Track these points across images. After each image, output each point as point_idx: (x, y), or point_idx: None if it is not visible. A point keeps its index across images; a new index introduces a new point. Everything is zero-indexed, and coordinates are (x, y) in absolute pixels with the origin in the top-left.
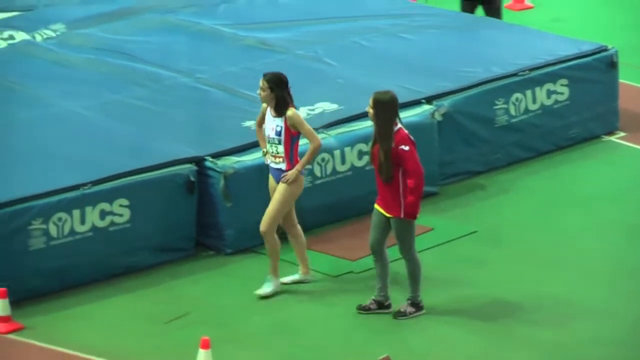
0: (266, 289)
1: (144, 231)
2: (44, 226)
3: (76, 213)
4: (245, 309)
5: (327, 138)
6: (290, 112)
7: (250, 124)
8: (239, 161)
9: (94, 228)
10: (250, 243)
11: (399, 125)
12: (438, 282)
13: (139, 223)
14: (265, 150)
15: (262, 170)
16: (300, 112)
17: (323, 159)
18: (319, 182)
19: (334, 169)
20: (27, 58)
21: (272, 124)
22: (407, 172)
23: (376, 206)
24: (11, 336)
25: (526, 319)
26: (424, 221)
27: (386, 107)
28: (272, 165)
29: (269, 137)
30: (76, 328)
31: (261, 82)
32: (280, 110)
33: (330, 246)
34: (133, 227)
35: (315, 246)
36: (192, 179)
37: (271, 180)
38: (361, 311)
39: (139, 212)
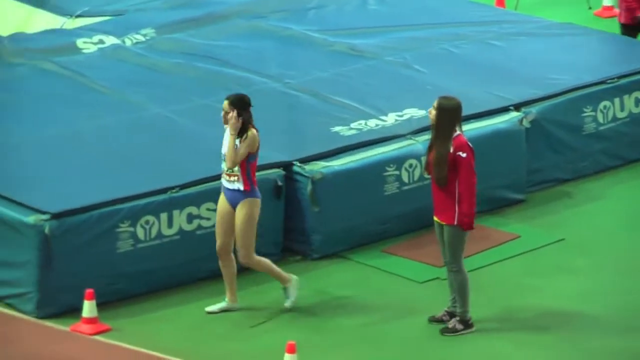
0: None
1: None
2: (131, 229)
3: (164, 216)
4: (332, 314)
5: (415, 144)
6: (252, 132)
7: (339, 129)
8: (327, 166)
9: (181, 231)
10: (337, 248)
11: (459, 132)
12: (523, 290)
13: None
14: None
15: (350, 175)
16: (389, 118)
17: (411, 165)
18: (406, 188)
19: (421, 175)
20: (117, 62)
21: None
22: (460, 179)
23: (435, 218)
24: (98, 337)
25: (615, 329)
26: (510, 228)
27: (449, 113)
28: (227, 185)
29: (224, 156)
30: (162, 330)
31: (225, 106)
32: (242, 132)
33: (417, 252)
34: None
35: (402, 252)
36: (280, 183)
37: (223, 201)
38: (433, 322)
39: None
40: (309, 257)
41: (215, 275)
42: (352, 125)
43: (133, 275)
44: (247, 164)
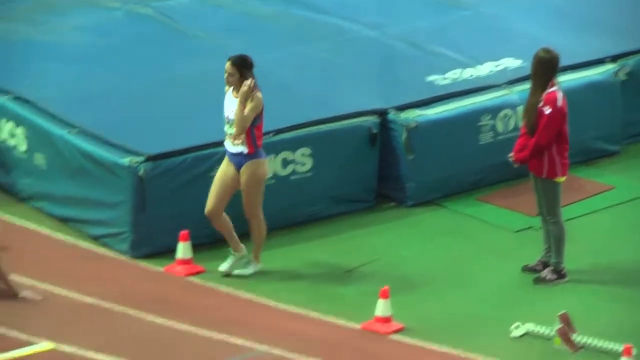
0: (226, 266)
1: (326, 181)
2: None
3: None
4: (425, 261)
5: (510, 94)
6: (258, 94)
7: (434, 78)
8: (422, 115)
9: (276, 176)
10: (431, 196)
11: (555, 87)
12: (617, 242)
13: (321, 173)
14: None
15: (444, 124)
16: (484, 68)
17: (506, 115)
18: (500, 137)
19: (515, 124)
20: (215, 9)
21: (233, 106)
22: (537, 131)
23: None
24: (191, 279)
25: None
26: (604, 180)
27: (545, 65)
28: (231, 149)
29: (228, 119)
30: (256, 273)
31: (228, 67)
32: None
33: (511, 201)
34: (315, 177)
35: (496, 201)
36: (375, 131)
37: (227, 165)
38: (527, 271)
39: (321, 162)
40: (403, 205)
41: (310, 220)
42: (448, 74)
43: (228, 218)
44: (251, 128)
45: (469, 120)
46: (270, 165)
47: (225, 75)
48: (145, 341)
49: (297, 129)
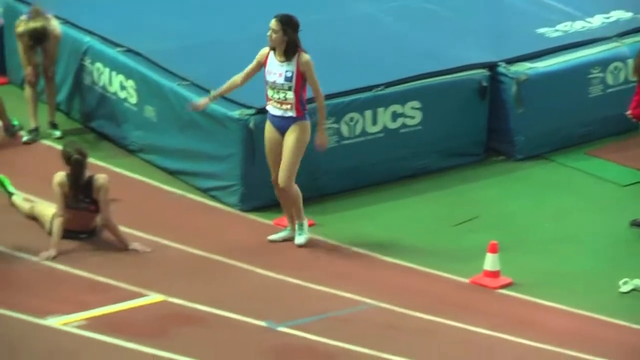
0: (301, 239)
1: (435, 134)
2: (335, 125)
3: (368, 114)
4: (534, 215)
5: (621, 47)
6: (306, 56)
7: (545, 30)
8: (532, 68)
9: (385, 129)
10: (540, 149)
11: None
12: None
13: (430, 126)
14: (215, 93)
15: (554, 77)
16: (595, 20)
17: (616, 68)
18: (610, 90)
19: (625, 77)
20: None
21: (279, 70)
22: None
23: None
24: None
25: None
26: None
27: None
28: (277, 113)
29: (274, 84)
30: (364, 227)
31: (273, 23)
32: (290, 55)
33: (620, 155)
34: (424, 130)
35: (605, 155)
36: (485, 84)
37: (271, 129)
38: (635, 226)
39: (430, 115)
40: (512, 158)
41: (419, 174)
42: (558, 27)
43: (337, 172)
44: (300, 90)
45: (579, 73)
46: (380, 118)
47: (269, 32)
48: (254, 294)
49: (406, 82)
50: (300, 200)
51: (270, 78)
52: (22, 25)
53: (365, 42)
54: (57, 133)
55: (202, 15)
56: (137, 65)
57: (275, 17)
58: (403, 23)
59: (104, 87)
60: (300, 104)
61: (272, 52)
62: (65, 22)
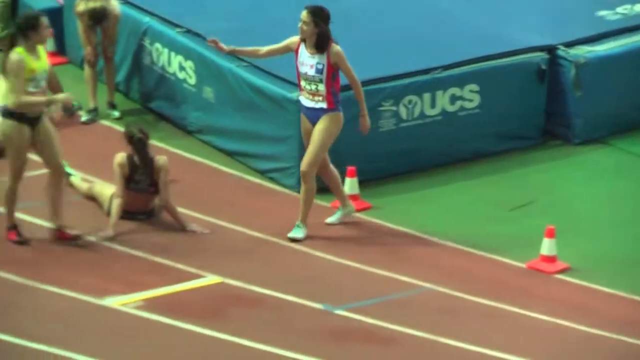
0: (297, 234)
1: (493, 117)
2: (394, 108)
3: (426, 97)
4: (591, 200)
5: None
6: (337, 47)
7: (604, 13)
8: (591, 51)
9: (443, 112)
10: (598, 134)
11: None
12: None
13: (489, 109)
14: (234, 48)
15: (614, 61)
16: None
17: None
18: None
19: None
20: None
21: (310, 62)
22: None
23: None
24: (358, 214)
25: None
26: None
27: None
28: (309, 104)
29: (306, 75)
30: (421, 210)
31: (304, 15)
32: (321, 47)
33: None
34: (482, 113)
35: None
36: (544, 67)
37: (305, 121)
38: None
39: (488, 98)
40: (570, 142)
41: (476, 157)
42: (618, 9)
43: (395, 154)
44: (332, 82)
45: (639, 57)
46: (438, 101)
47: (300, 23)
48: (311, 276)
49: (465, 65)
50: (313, 198)
51: (302, 69)
52: (82, 4)
53: (424, 24)
54: (116, 114)
55: None
56: (196, 46)
57: (306, 8)
58: (461, 4)
59: (163, 68)
60: (332, 95)
61: (302, 43)
62: (125, 2)
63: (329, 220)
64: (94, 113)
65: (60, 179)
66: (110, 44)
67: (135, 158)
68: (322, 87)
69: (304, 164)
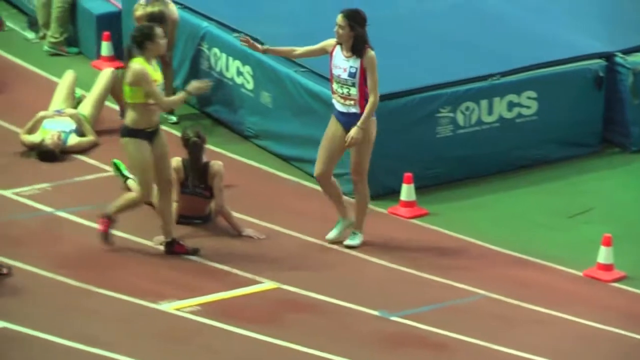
0: (353, 242)
1: (551, 124)
2: (451, 114)
3: (484, 103)
4: None
5: None
6: (371, 53)
7: None
8: None
9: (501, 119)
10: None
11: None
12: None
13: (546, 116)
14: (268, 47)
15: None
16: None
17: None
18: None
19: None
20: None
21: (344, 65)
22: None
23: None
24: (415, 221)
25: None
26: None
27: None
28: (341, 108)
29: (339, 78)
30: (478, 217)
31: (339, 19)
32: (356, 51)
33: None
34: (540, 120)
35: None
36: (601, 74)
37: (335, 124)
38: None
39: (546, 105)
40: (628, 150)
41: (534, 164)
42: None
43: (452, 161)
44: (364, 86)
45: None
46: (496, 108)
47: (336, 28)
48: (367, 282)
49: (522, 71)
50: (367, 206)
51: (335, 72)
52: (141, 9)
53: (481, 30)
54: (173, 118)
55: (319, 0)
56: (254, 51)
57: (342, 12)
58: (519, 10)
59: (220, 73)
60: (365, 100)
61: (339, 46)
62: (183, 7)
63: (330, 236)
64: None
65: (169, 193)
66: (168, 49)
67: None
68: (354, 91)
69: (354, 174)
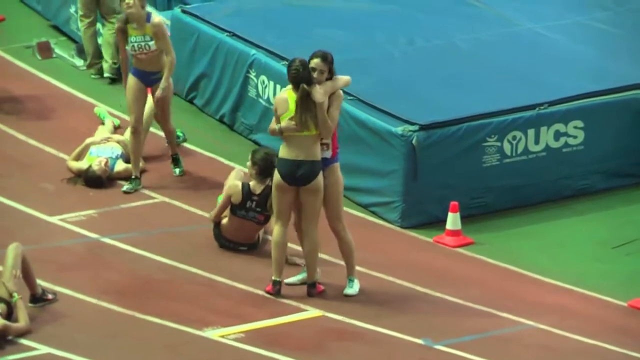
0: (351, 291)
1: (597, 154)
2: (498, 143)
3: (531, 132)
4: None
5: None
6: (338, 93)
7: None
8: None
9: (547, 148)
10: None
11: None
12: None
13: (593, 146)
14: None
15: None
16: None
17: None
18: None
19: None
20: None
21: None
22: None
23: None
24: (460, 250)
25: None
26: None
27: None
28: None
29: None
30: (524, 247)
31: (318, 63)
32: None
33: None
34: (586, 150)
35: None
36: None
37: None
38: None
39: (593, 135)
40: None
41: (580, 194)
42: None
43: (498, 190)
44: (336, 129)
45: None
46: (542, 137)
47: (315, 73)
48: (412, 311)
49: (570, 100)
50: (353, 250)
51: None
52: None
53: (531, 59)
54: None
55: (368, 29)
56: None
57: (318, 56)
58: (570, 41)
59: (268, 100)
60: (337, 142)
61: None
62: (231, 34)
63: (289, 280)
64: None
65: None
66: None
67: (252, 184)
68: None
69: (333, 223)
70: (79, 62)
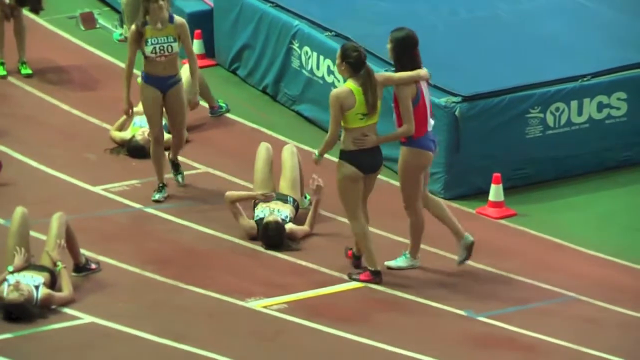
0: (397, 264)
1: None
2: (541, 115)
3: (574, 104)
4: None
5: None
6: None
7: None
8: None
9: (590, 120)
10: None
11: None
12: None
13: (636, 117)
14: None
15: None
16: None
17: None
18: None
19: None
20: None
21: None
22: None
23: None
24: (503, 221)
25: None
26: None
27: None
28: None
29: None
30: (568, 218)
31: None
32: None
33: None
34: (629, 121)
35: None
36: None
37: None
38: None
39: (636, 107)
40: None
41: (623, 165)
42: None
43: (541, 162)
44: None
45: None
46: (585, 109)
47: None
48: (455, 282)
49: (613, 72)
50: (420, 232)
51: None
52: None
53: (574, 30)
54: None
55: (412, 1)
56: None
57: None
58: (612, 11)
59: (311, 71)
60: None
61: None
62: (275, 5)
63: (389, 263)
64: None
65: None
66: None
67: None
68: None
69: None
70: (118, 32)
